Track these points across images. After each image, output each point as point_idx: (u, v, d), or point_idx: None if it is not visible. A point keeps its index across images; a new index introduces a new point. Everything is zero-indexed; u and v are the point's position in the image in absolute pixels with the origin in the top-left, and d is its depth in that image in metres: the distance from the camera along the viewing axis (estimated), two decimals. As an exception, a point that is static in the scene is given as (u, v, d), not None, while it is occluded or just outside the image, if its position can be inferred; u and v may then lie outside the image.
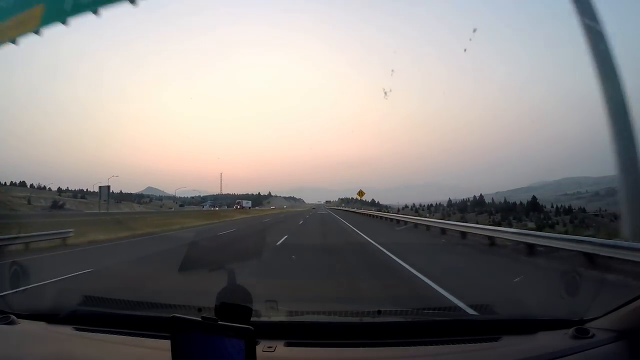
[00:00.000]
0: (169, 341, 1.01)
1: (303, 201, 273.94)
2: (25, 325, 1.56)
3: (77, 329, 1.50)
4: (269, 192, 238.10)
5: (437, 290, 5.10)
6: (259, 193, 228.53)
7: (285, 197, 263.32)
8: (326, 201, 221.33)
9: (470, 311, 2.87)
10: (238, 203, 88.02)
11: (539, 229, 14.92)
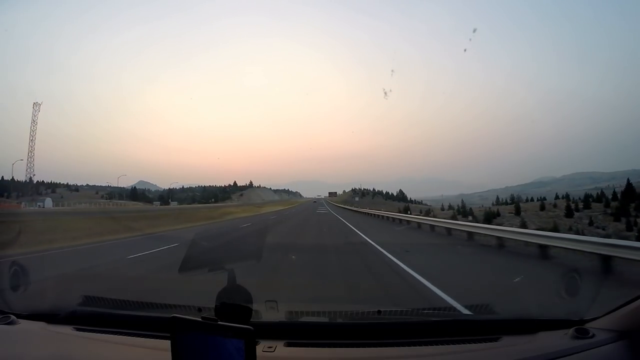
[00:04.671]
0: (169, 341, 1.01)
1: (300, 195, 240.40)
2: (25, 325, 1.56)
3: (77, 329, 1.50)
4: (250, 182, 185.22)
5: None
6: (235, 183, 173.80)
7: (275, 190, 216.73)
8: (329, 193, 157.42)
9: (470, 311, 2.87)
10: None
11: None
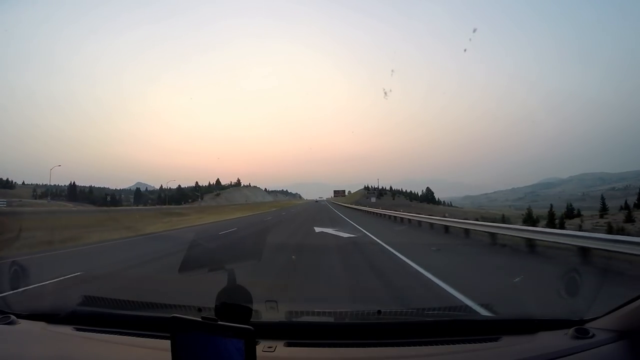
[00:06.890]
0: (169, 341, 1.01)
1: (300, 196, 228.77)
2: (25, 325, 1.56)
3: (77, 329, 1.50)
4: (238, 180, 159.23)
5: None
6: (217, 181, 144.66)
7: (271, 191, 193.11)
8: (335, 192, 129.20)
9: (470, 311, 2.87)
10: None
11: None
